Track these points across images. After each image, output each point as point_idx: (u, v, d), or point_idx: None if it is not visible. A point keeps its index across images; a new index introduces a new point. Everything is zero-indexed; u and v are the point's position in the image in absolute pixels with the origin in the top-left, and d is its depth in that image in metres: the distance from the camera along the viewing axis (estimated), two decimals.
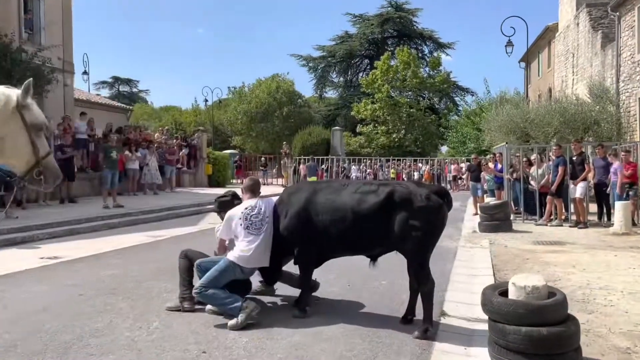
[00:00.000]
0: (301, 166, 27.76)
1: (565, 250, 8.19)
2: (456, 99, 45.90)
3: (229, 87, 44.70)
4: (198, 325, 4.31)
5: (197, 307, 4.68)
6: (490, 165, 13.68)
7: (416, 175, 30.45)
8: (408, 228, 4.16)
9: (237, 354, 3.70)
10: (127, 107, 28.10)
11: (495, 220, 10.44)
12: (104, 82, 63.39)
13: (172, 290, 5.18)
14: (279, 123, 37.17)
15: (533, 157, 12.49)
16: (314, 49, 50.76)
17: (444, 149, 45.85)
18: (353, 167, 30.86)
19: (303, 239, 4.60)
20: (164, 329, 4.21)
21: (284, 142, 32.71)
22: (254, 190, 4.93)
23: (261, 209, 4.71)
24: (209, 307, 4.58)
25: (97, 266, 6.79)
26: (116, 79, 65.56)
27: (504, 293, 3.58)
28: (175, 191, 19.05)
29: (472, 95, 43.39)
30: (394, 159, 32.18)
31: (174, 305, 4.73)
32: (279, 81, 38.57)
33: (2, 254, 7.63)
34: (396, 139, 39.85)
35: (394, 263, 5.16)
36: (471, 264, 7.26)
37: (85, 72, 29.68)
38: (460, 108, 42.20)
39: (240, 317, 4.21)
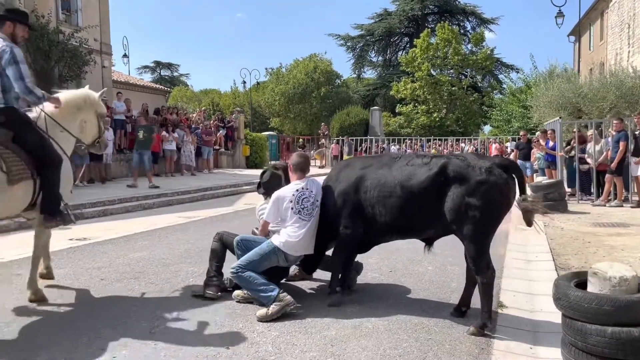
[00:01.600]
0: (333, 145, 27.14)
1: (632, 233, 7.39)
2: (500, 76, 44.17)
3: (266, 69, 44.24)
4: (224, 315, 3.87)
5: (221, 293, 4.25)
6: (542, 142, 12.74)
7: None
8: (464, 207, 3.56)
9: (265, 350, 3.23)
10: (166, 89, 28.08)
11: (549, 201, 9.63)
12: (146, 67, 64.14)
13: (200, 275, 4.79)
14: (316, 104, 36.61)
15: (590, 132, 11.52)
16: (352, 28, 49.63)
17: (487, 128, 44.30)
18: (392, 147, 30.03)
19: (350, 219, 4.07)
20: (185, 319, 3.78)
21: (322, 123, 32.17)
22: (303, 169, 4.33)
23: (312, 191, 4.19)
24: (237, 293, 4.14)
25: (126, 248, 6.48)
26: (158, 64, 66.23)
27: (582, 284, 2.98)
28: (213, 172, 18.85)
29: (517, 72, 41.52)
30: (435, 139, 31.16)
31: (199, 291, 4.31)
32: (317, 61, 37.92)
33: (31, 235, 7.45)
34: (437, 119, 38.67)
35: (442, 246, 4.59)
36: (526, 248, 6.59)
37: (125, 55, 29.89)
38: (504, 86, 40.59)
39: (272, 308, 3.74)
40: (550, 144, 12.27)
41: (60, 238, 7.24)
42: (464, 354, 3.21)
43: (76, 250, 6.41)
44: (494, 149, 28.23)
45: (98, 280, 4.90)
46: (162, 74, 66.35)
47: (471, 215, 3.54)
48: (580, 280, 3.01)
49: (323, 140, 29.62)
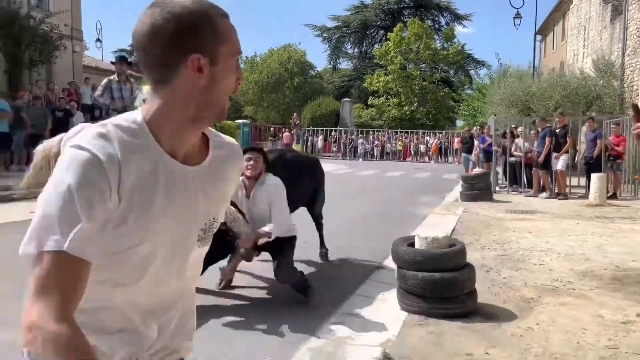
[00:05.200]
0: (285, 134, 27.84)
1: (533, 219, 8.44)
2: (471, 72, 45.44)
3: (240, 57, 44.78)
4: None
5: None
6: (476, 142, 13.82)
7: (422, 148, 30.55)
8: None
9: None
10: (137, 74, 28.43)
11: (476, 190, 10.68)
12: (123, 50, 63.94)
13: None
14: (289, 94, 37.36)
15: (520, 129, 12.61)
16: (328, 19, 50.31)
17: (460, 122, 45.65)
18: (360, 139, 31.01)
19: None
20: None
21: (294, 113, 32.95)
22: None
23: None
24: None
25: None
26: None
27: (412, 244, 3.92)
28: None
29: (488, 68, 42.81)
30: (402, 132, 32.24)
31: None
32: (291, 51, 38.60)
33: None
34: (408, 112, 39.77)
35: None
36: (433, 229, 7.54)
37: (98, 40, 30.20)
38: (474, 81, 41.85)
39: None
40: (488, 139, 13.33)
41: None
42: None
43: None
44: (456, 143, 29.52)
45: None
46: (120, 51, 66.23)
47: None
48: (412, 242, 3.95)
49: (294, 129, 30.45)
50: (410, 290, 3.71)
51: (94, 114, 16.45)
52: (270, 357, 3.00)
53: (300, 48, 39.94)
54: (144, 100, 7.62)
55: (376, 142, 30.96)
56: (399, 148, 31.07)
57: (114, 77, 7.99)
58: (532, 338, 3.27)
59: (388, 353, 2.99)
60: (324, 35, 48.22)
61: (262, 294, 4.37)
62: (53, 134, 9.87)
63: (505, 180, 12.93)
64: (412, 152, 30.76)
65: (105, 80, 8.18)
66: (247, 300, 4.15)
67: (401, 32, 39.34)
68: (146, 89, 7.77)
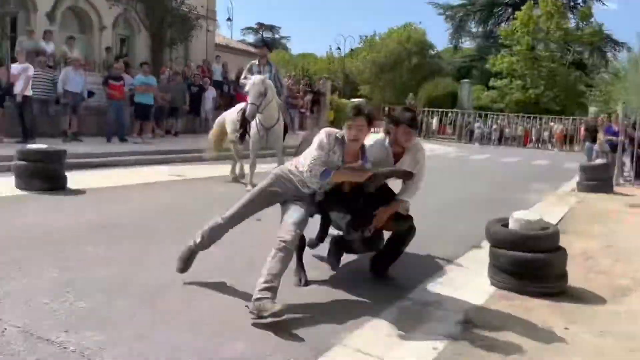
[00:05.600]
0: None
1: None
2: (609, 54, 41.61)
3: (360, 36, 45.08)
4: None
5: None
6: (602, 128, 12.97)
7: (545, 135, 28.93)
8: None
9: None
10: None
11: (595, 181, 10.20)
12: (249, 28, 67.10)
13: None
14: (406, 73, 37.10)
15: None
16: None
17: (593, 109, 42.13)
18: (478, 122, 30.10)
19: None
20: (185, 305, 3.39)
21: (410, 94, 32.79)
22: None
23: None
24: None
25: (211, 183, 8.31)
26: (260, 25, 68.95)
27: (506, 225, 4.14)
28: (297, 133, 20.58)
29: (629, 50, 38.94)
30: (524, 116, 30.73)
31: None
32: (411, 30, 38.15)
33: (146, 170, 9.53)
34: (532, 95, 37.62)
35: None
36: (535, 214, 7.47)
37: (229, 19, 32.23)
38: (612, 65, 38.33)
39: None
40: (615, 128, 12.50)
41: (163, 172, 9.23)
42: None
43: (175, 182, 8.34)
44: (582, 131, 27.53)
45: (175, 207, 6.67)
46: (264, 36, 69.12)
47: None
48: (506, 223, 4.17)
49: None
50: (500, 268, 3.96)
51: (223, 89, 17.97)
52: (364, 311, 3.44)
53: (421, 27, 39.33)
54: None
55: (494, 126, 29.88)
56: (519, 133, 29.72)
57: (255, 61, 8.72)
58: (617, 321, 3.39)
59: (470, 318, 3.31)
60: (447, 13, 46.79)
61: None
62: (190, 107, 11.14)
63: (632, 173, 12.09)
64: (533, 138, 29.28)
65: (248, 65, 8.89)
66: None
67: (530, 10, 37.01)
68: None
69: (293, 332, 2.97)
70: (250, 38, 62.30)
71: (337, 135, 3.35)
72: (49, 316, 3.04)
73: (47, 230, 4.86)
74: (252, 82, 7.03)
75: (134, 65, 14.34)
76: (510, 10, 45.48)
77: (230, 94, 17.81)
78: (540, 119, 30.17)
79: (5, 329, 2.83)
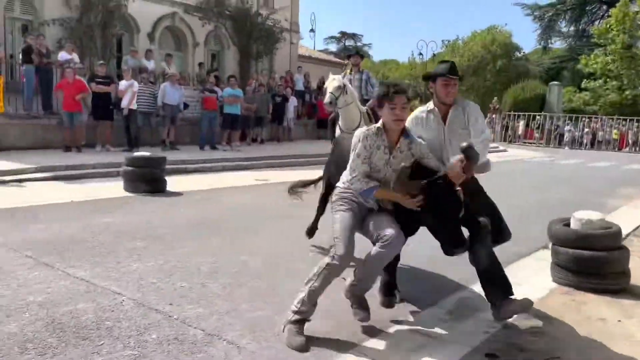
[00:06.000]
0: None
1: None
2: None
3: (442, 41, 44.47)
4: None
5: None
6: None
7: None
8: None
9: None
10: (343, 62, 30.70)
11: None
12: (332, 37, 68.44)
13: None
14: (491, 77, 36.17)
15: None
16: None
17: None
18: (568, 126, 28.78)
19: None
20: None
21: (495, 97, 31.98)
22: None
23: None
24: None
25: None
26: (343, 34, 70.08)
27: (568, 225, 4.29)
28: None
29: None
30: (620, 119, 28.95)
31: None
32: (495, 33, 37.18)
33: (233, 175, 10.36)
34: (629, 96, 35.27)
35: None
36: (611, 217, 7.33)
37: (311, 30, 33.29)
38: None
39: None
40: None
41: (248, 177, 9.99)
42: None
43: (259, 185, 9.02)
44: None
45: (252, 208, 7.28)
46: (346, 44, 70.11)
47: None
48: (568, 222, 4.32)
49: (493, 115, 29.65)
50: (561, 265, 4.13)
51: (304, 98, 18.76)
52: (434, 295, 3.78)
53: (506, 29, 38.22)
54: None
55: (586, 130, 28.42)
56: (614, 137, 28.05)
57: (347, 69, 8.89)
58: None
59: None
60: (535, 14, 45.03)
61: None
62: (272, 116, 11.91)
63: None
64: (629, 141, 27.52)
65: (341, 74, 8.88)
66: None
67: (626, 7, 34.78)
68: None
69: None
70: (333, 47, 63.56)
71: (373, 129, 3.14)
72: (157, 292, 3.69)
73: (153, 226, 5.64)
74: (331, 78, 7.12)
75: (223, 79, 15.41)
76: (604, 7, 42.97)
77: (311, 103, 18.60)
78: (638, 121, 28.30)
79: (123, 300, 3.50)
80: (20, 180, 8.18)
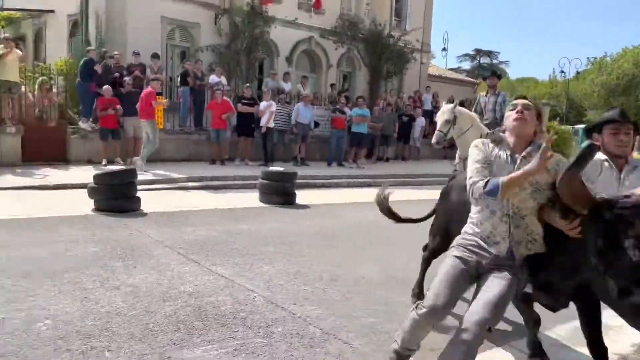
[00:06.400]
0: None
1: None
2: None
3: (588, 58, 41.24)
4: None
5: None
6: None
7: None
8: None
9: None
10: (475, 80, 30.03)
11: None
12: (466, 55, 66.86)
13: None
14: None
15: None
16: None
17: None
18: None
19: None
20: None
21: None
22: None
23: None
24: None
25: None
26: (478, 51, 68.10)
27: None
28: None
29: None
30: None
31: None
32: None
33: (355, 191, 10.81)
34: None
35: None
36: None
37: (444, 49, 33.08)
38: None
39: None
40: None
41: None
42: None
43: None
44: None
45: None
46: (481, 61, 67.98)
47: None
48: None
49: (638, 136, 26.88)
50: None
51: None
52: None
53: None
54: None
55: None
56: None
57: (480, 89, 8.75)
58: None
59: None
60: None
61: None
62: (399, 135, 12.26)
63: None
64: None
65: (478, 97, 8.91)
66: None
67: None
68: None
69: None
70: (467, 65, 62.12)
71: (493, 138, 2.70)
72: (283, 292, 4.19)
73: (282, 235, 6.25)
74: (441, 111, 7.11)
75: (353, 99, 16.04)
76: None
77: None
78: None
79: (255, 296, 4.04)
80: (175, 188, 9.40)
